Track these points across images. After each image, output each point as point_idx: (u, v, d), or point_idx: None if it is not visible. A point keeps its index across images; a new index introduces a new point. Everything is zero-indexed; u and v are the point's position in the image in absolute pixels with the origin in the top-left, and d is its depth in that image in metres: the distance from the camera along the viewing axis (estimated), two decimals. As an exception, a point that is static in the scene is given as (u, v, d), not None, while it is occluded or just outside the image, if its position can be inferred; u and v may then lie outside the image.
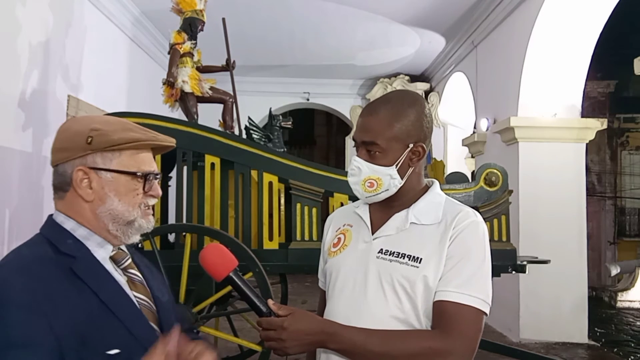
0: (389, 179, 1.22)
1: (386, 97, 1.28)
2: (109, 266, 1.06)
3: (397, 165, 1.21)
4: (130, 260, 1.11)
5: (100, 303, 0.97)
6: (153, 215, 1.13)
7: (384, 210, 1.28)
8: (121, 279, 1.06)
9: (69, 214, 1.04)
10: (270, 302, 1.13)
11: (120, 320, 0.98)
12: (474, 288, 1.14)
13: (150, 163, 1.09)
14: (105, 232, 1.05)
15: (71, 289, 0.95)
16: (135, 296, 1.06)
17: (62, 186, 1.05)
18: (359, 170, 1.23)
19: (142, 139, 1.06)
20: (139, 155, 1.07)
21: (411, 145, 1.22)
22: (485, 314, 1.15)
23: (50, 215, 1.08)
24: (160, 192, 1.11)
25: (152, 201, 1.09)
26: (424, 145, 1.24)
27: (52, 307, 0.90)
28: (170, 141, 1.12)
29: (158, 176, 1.10)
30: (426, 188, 1.30)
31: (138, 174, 1.06)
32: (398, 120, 1.20)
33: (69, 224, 1.04)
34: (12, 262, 0.96)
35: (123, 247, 1.12)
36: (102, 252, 1.05)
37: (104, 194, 1.03)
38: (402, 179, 1.23)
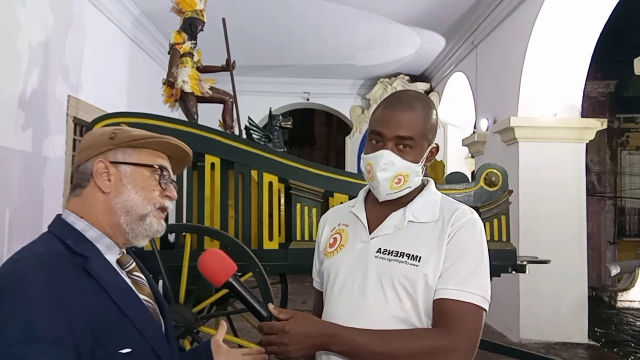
0: (415, 176, 1.21)
1: (410, 94, 1.24)
2: (117, 269, 1.08)
3: (422, 162, 1.21)
4: (134, 264, 1.13)
5: (112, 303, 0.99)
6: (166, 220, 1.14)
7: (380, 209, 1.26)
8: (127, 282, 1.08)
9: (81, 213, 1.05)
10: (270, 306, 1.12)
11: (131, 320, 1.00)
12: (474, 285, 1.13)
13: (166, 162, 1.14)
14: (116, 228, 1.06)
15: (86, 287, 0.96)
16: (142, 298, 1.08)
17: (80, 182, 1.07)
18: (392, 164, 1.18)
19: (160, 136, 1.11)
20: (157, 156, 1.12)
21: (433, 144, 1.23)
22: (485, 311, 1.15)
23: (59, 215, 1.09)
24: (176, 195, 1.15)
25: (168, 202, 1.12)
26: (438, 146, 1.25)
27: (69, 304, 0.92)
28: (187, 149, 1.16)
29: (174, 181, 1.15)
30: (422, 187, 1.29)
31: (155, 166, 1.10)
32: (429, 118, 1.20)
33: (79, 225, 1.05)
34: (30, 258, 0.96)
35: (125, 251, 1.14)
36: (110, 256, 1.06)
37: (121, 186, 1.06)
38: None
